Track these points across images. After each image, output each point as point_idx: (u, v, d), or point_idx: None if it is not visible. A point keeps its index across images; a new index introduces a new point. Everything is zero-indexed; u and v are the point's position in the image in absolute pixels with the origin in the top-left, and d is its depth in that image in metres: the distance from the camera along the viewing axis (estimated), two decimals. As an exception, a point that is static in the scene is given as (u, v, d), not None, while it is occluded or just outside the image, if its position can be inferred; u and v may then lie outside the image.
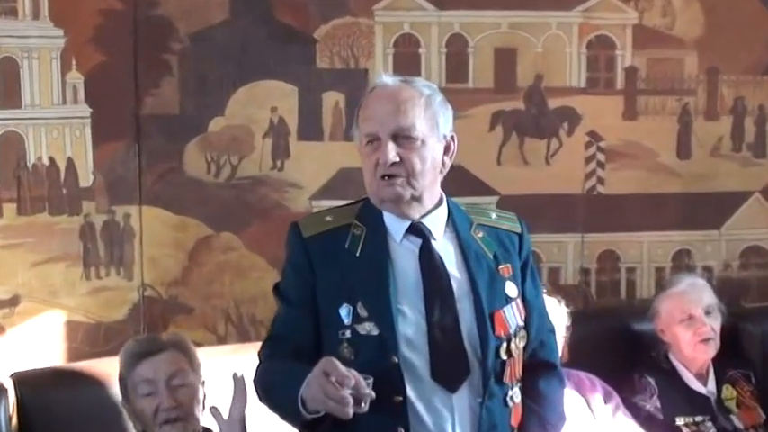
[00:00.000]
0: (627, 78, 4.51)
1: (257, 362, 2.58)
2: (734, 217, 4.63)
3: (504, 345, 2.47)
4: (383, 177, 2.42)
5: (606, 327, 4.20)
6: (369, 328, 2.40)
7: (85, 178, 4.00)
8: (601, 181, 4.52)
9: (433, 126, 2.46)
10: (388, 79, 2.50)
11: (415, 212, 2.49)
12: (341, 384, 2.18)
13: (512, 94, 4.39)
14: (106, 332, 4.05)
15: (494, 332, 2.45)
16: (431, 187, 2.49)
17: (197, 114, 4.09)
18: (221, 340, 4.14)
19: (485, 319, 2.44)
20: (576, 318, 3.74)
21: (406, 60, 4.29)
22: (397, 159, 2.39)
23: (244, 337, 4.15)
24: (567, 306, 3.68)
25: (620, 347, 4.12)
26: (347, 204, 2.63)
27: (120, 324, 4.06)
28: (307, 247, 2.49)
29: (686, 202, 4.58)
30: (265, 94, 4.15)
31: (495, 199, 4.37)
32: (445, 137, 2.51)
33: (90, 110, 3.98)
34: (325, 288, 2.46)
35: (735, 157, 4.60)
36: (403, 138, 2.41)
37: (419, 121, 2.42)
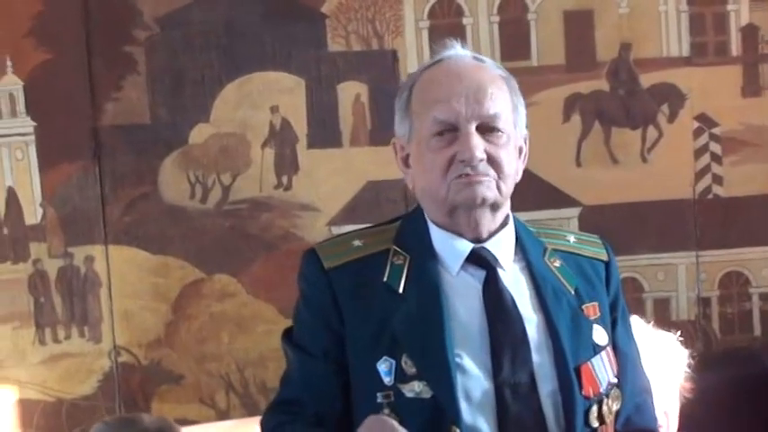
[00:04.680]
0: (745, 41, 4.42)
1: (261, 435, 2.51)
2: None
3: (595, 408, 2.40)
4: (459, 176, 2.38)
5: (736, 374, 4.16)
6: (418, 388, 2.33)
7: (32, 213, 4.06)
8: (718, 180, 4.44)
9: (516, 119, 2.45)
10: (462, 51, 2.47)
11: (485, 228, 2.44)
12: None
13: (590, 72, 4.35)
14: (70, 412, 4.08)
15: (581, 391, 2.38)
16: (507, 199, 2.47)
17: (173, 122, 4.14)
18: (222, 415, 4.17)
19: (569, 375, 2.38)
20: (694, 364, 3.56)
21: (447, 34, 4.03)
22: (484, 156, 2.37)
23: (251, 410, 4.12)
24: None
25: (755, 401, 4.06)
26: (379, 225, 2.58)
27: (87, 400, 4.10)
28: (330, 282, 2.42)
29: (835, 201, 4.50)
30: (262, 91, 4.19)
31: (575, 211, 4.34)
32: (522, 136, 2.50)
33: (33, 124, 4.06)
34: (356, 337, 2.40)
35: None
36: (488, 130, 2.39)
37: (506, 110, 2.42)
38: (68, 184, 4.04)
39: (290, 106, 4.19)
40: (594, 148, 4.37)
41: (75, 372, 4.06)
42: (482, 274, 2.42)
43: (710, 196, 4.44)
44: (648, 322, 3.33)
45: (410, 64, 4.21)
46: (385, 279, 2.40)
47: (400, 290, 2.39)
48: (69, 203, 4.04)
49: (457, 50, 2.44)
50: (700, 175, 4.43)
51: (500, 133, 2.38)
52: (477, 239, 2.42)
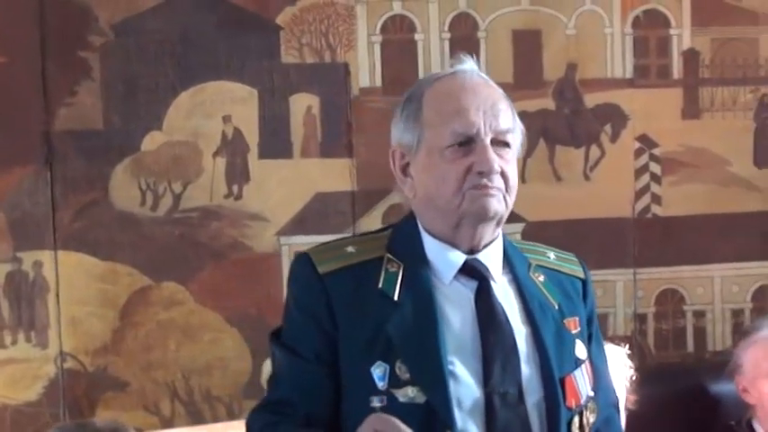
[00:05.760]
0: (686, 65, 4.55)
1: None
2: (832, 241, 4.66)
3: (576, 419, 2.48)
4: (475, 187, 2.41)
5: (670, 389, 4.20)
6: (412, 393, 2.36)
7: (-20, 217, 4.04)
8: (656, 199, 4.56)
9: (519, 136, 2.50)
10: (473, 66, 2.50)
11: (484, 241, 2.49)
12: None
13: (537, 90, 4.43)
14: (15, 418, 4.06)
15: (565, 402, 2.45)
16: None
17: (126, 129, 4.16)
18: (166, 423, 4.18)
19: (555, 387, 2.44)
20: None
21: (398, 50, 4.32)
22: (500, 169, 2.41)
23: (195, 419, 4.16)
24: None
25: (687, 415, 4.14)
26: (370, 233, 2.64)
27: (32, 407, 4.08)
28: (325, 287, 2.45)
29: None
30: (215, 100, 4.23)
31: (518, 227, 4.37)
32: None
33: (-14, 127, 4.02)
34: (351, 341, 2.42)
35: (830, 162, 4.65)
36: (499, 144, 2.43)
37: (512, 126, 2.46)
38: (19, 189, 4.03)
39: (242, 116, 4.22)
40: (539, 166, 4.43)
41: (20, 377, 4.05)
42: (474, 284, 2.46)
43: (649, 215, 4.53)
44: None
45: (362, 78, 4.28)
46: (380, 285, 2.43)
47: (395, 297, 2.42)
48: (19, 208, 4.04)
49: (471, 65, 2.48)
50: (639, 194, 4.53)
51: (508, 148, 2.43)
52: (472, 251, 2.47)
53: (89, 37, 4.08)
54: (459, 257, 2.47)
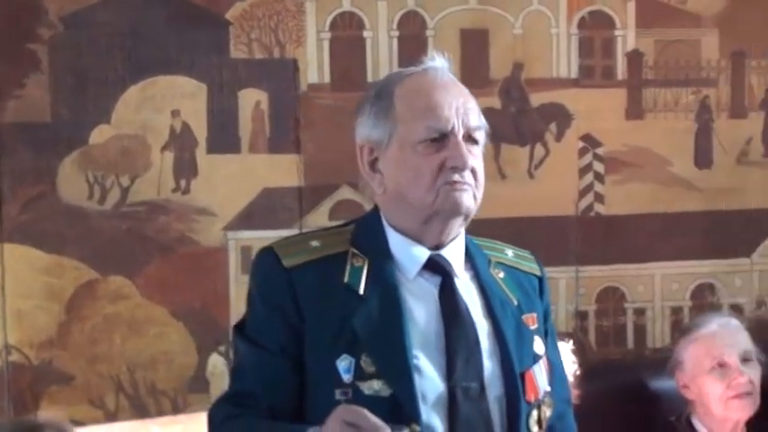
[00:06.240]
0: (630, 66, 4.61)
1: (209, 427, 2.52)
2: (768, 241, 4.76)
3: (535, 413, 2.51)
4: (449, 183, 2.44)
5: (610, 385, 4.22)
6: (377, 386, 2.39)
7: (-74, 209, 4.05)
8: (599, 198, 4.62)
9: (484, 135, 2.55)
10: (444, 63, 2.53)
11: (450, 237, 2.53)
12: None
13: (483, 89, 4.41)
14: None
15: (525, 396, 2.49)
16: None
17: (74, 122, 4.16)
18: (111, 417, 4.18)
19: (515, 381, 2.49)
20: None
21: (347, 47, 4.36)
22: (472, 165, 2.47)
23: (140, 413, 4.17)
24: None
25: (627, 410, 4.13)
26: (333, 228, 2.65)
27: None
28: (291, 280, 2.47)
29: (708, 222, 4.69)
30: (164, 95, 4.24)
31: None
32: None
33: (-69, 119, 4.02)
34: (316, 334, 2.45)
35: (768, 163, 4.74)
36: (470, 140, 2.49)
37: (480, 124, 2.51)
38: (-35, 181, 4.02)
39: (191, 111, 4.24)
40: (484, 164, 4.43)
41: (-37, 371, 4.04)
42: (437, 279, 2.49)
43: (592, 214, 4.59)
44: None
45: (310, 74, 4.31)
46: (345, 280, 2.45)
47: (361, 291, 2.44)
48: (-35, 200, 4.03)
49: (442, 63, 2.50)
50: (583, 192, 4.59)
51: (477, 145, 2.49)
52: (437, 247, 2.50)
53: (38, 29, 4.08)
54: (423, 253, 2.49)
